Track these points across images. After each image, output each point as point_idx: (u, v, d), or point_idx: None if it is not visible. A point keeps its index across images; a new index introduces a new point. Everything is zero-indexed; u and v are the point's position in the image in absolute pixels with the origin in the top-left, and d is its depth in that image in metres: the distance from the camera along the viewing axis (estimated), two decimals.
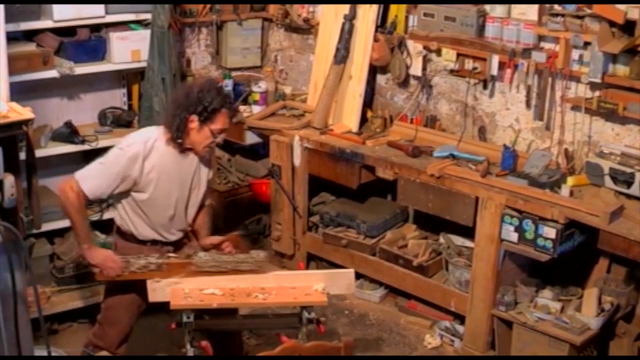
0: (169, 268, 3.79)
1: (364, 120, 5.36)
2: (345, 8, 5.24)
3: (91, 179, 3.69)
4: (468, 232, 4.73)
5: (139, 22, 5.13)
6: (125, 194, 3.78)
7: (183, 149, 3.77)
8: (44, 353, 3.32)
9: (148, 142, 3.73)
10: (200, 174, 3.90)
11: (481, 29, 4.82)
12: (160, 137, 3.75)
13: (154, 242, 3.89)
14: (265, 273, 3.87)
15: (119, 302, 3.93)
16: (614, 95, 4.35)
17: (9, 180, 3.00)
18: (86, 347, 4.07)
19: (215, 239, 4.02)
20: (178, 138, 3.71)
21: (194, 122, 3.66)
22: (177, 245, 3.96)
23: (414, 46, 5.13)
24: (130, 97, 5.42)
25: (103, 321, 4.00)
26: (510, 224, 4.34)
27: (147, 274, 3.78)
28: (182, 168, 3.81)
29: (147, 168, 3.71)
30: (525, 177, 4.45)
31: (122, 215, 3.86)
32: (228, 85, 5.54)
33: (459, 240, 5.00)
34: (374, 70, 5.44)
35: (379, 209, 5.40)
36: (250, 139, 5.58)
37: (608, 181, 4.31)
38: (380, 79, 5.53)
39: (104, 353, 3.97)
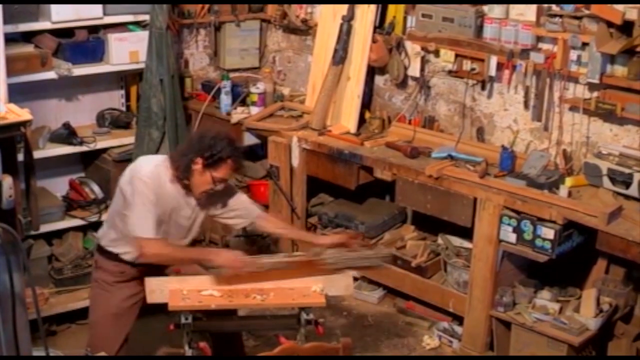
0: (300, 266, 3.79)
1: (362, 121, 5.35)
2: (343, 9, 5.24)
3: (148, 226, 3.67)
4: (466, 232, 4.73)
5: (137, 24, 5.13)
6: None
7: (186, 189, 3.78)
8: (43, 355, 3.31)
9: (158, 167, 3.74)
10: (199, 211, 3.90)
11: (479, 29, 4.82)
12: (166, 171, 3.76)
13: (135, 264, 3.86)
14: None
15: (102, 316, 3.90)
16: (612, 96, 4.36)
17: (7, 181, 2.99)
18: (85, 349, 4.07)
19: (341, 236, 4.04)
20: (184, 179, 3.72)
21: (198, 165, 3.68)
22: (159, 267, 3.90)
23: (412, 47, 5.13)
24: (128, 99, 5.42)
25: (92, 342, 3.96)
26: (509, 224, 4.35)
27: (280, 272, 3.78)
28: (182, 204, 3.81)
29: (158, 194, 3.72)
30: (524, 178, 4.45)
31: (116, 239, 3.83)
32: (226, 86, 5.55)
33: (457, 241, 5.00)
34: (372, 71, 5.43)
35: (378, 210, 5.40)
36: (249, 140, 5.57)
37: (606, 182, 4.31)
38: (379, 79, 5.53)
39: (103, 353, 3.96)
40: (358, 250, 3.91)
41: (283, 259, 3.81)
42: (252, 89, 5.59)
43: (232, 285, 3.76)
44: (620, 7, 4.21)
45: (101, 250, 3.92)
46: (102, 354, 3.94)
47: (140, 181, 3.69)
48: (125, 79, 5.37)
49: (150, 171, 3.72)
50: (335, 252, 3.85)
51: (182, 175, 3.72)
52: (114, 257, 3.86)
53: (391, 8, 5.22)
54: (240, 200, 4.01)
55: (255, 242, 5.74)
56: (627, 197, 4.26)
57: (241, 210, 4.00)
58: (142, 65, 5.07)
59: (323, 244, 3.95)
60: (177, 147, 3.97)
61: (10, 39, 4.46)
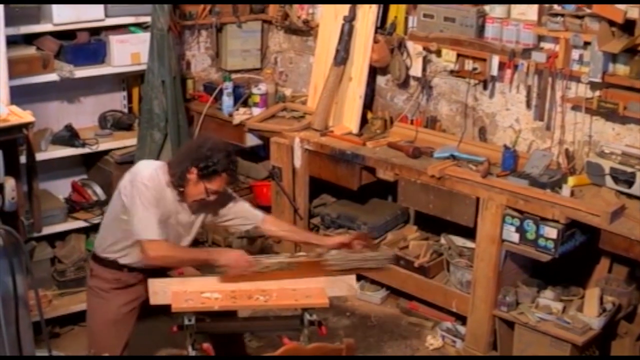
0: (303, 267, 3.79)
1: (364, 121, 5.35)
2: (344, 10, 5.24)
3: (152, 228, 3.65)
4: (469, 232, 4.73)
5: (139, 25, 5.13)
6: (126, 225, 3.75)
7: (180, 196, 3.77)
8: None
9: (157, 171, 3.75)
10: (197, 218, 3.89)
11: (481, 29, 4.82)
12: (164, 175, 3.76)
13: (132, 269, 3.86)
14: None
15: (101, 323, 3.89)
16: (614, 95, 4.35)
17: (10, 183, 3.00)
18: (89, 350, 4.07)
19: (345, 237, 4.03)
20: (179, 186, 3.73)
21: (193, 175, 3.68)
22: (156, 273, 3.86)
23: (413, 47, 5.13)
24: (130, 100, 5.43)
25: (93, 346, 3.96)
26: (512, 224, 4.34)
27: (279, 273, 3.77)
28: (179, 208, 3.81)
29: (159, 197, 3.72)
30: (526, 178, 4.44)
31: (113, 243, 3.82)
32: (228, 87, 5.55)
33: (460, 241, 5.00)
34: (374, 72, 5.43)
35: (380, 210, 5.40)
36: (251, 141, 5.57)
37: (609, 181, 4.31)
38: (380, 80, 5.53)
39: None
40: (361, 251, 3.90)
41: (285, 260, 3.81)
42: (254, 90, 5.59)
43: (235, 284, 3.76)
44: (622, 6, 4.20)
45: (96, 258, 3.91)
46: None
47: (141, 184, 3.68)
48: (127, 81, 5.38)
49: (150, 174, 3.72)
50: (338, 253, 3.84)
51: (177, 182, 3.72)
52: (110, 264, 3.85)
53: (392, 8, 5.23)
54: (242, 208, 3.99)
55: (256, 242, 5.74)
56: (630, 196, 4.25)
57: (241, 218, 3.99)
58: (143, 67, 5.08)
59: (326, 245, 3.94)
60: (176, 153, 3.95)
61: (11, 41, 4.47)
